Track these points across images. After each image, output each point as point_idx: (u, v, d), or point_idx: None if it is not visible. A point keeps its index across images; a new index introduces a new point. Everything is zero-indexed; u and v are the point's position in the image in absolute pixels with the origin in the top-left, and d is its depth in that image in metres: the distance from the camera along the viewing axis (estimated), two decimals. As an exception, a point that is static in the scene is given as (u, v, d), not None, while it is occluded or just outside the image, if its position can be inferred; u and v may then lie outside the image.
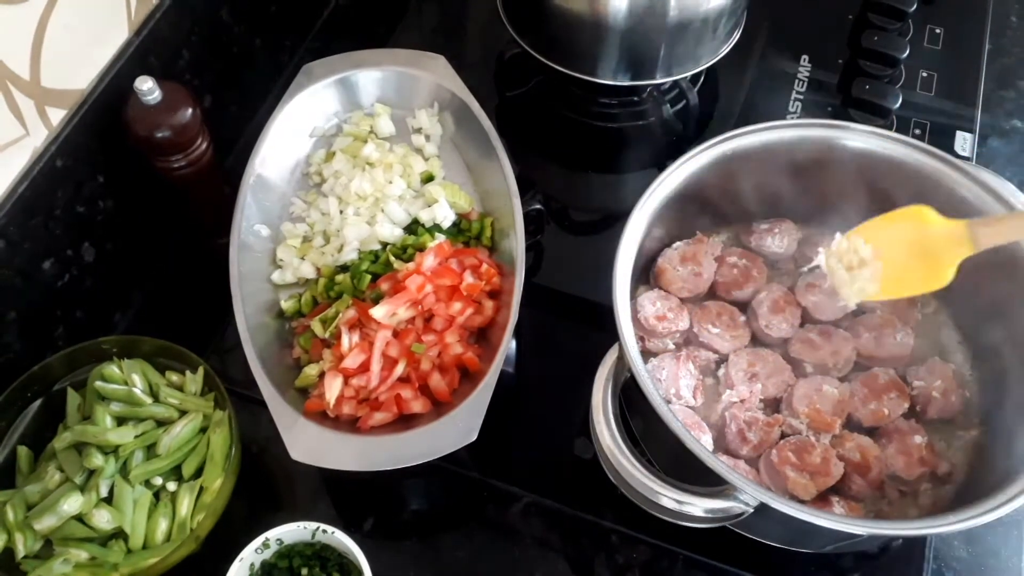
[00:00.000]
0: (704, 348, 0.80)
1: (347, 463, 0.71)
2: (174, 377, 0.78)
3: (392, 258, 0.85)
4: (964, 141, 1.03)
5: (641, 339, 0.80)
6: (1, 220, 0.72)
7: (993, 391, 0.77)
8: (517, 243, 0.82)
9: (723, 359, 0.80)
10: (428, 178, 0.91)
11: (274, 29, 1.04)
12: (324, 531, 0.71)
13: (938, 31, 1.12)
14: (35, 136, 0.75)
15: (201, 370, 0.77)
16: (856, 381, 0.78)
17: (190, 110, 0.77)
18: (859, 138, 0.78)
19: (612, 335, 0.68)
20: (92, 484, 0.70)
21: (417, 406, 0.77)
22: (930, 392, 0.76)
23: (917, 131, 1.03)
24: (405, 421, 0.76)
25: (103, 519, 0.70)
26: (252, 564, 0.71)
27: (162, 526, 0.71)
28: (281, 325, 0.84)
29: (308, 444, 0.72)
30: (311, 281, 0.86)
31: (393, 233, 0.87)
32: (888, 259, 0.65)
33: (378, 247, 0.87)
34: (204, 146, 0.81)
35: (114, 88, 0.80)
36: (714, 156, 0.77)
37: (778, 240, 0.84)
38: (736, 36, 1.00)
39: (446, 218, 0.88)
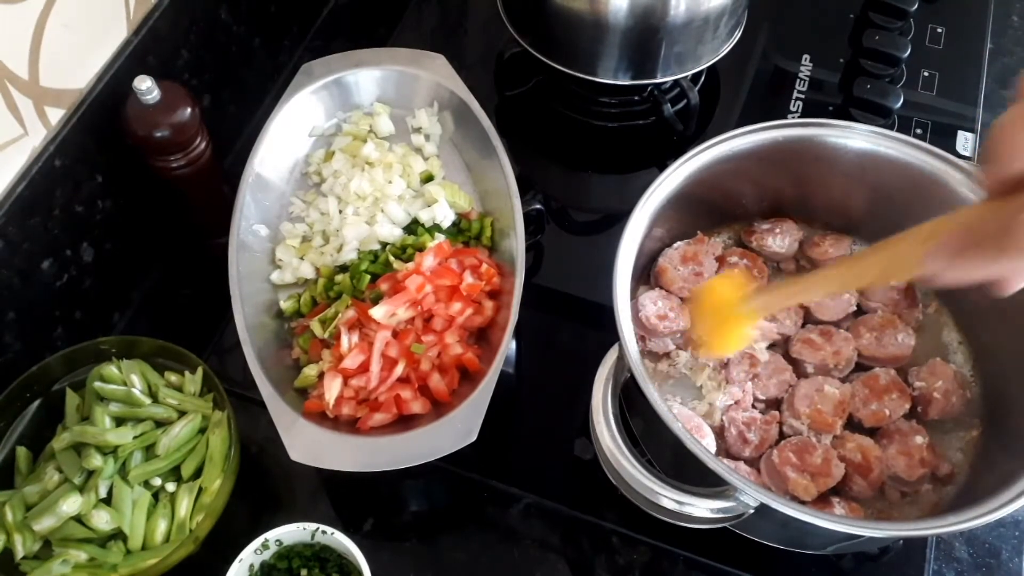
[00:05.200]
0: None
1: (346, 464, 0.71)
2: (173, 377, 0.78)
3: (391, 258, 0.85)
4: (966, 141, 1.03)
5: (642, 339, 0.80)
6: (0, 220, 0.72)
7: (994, 392, 0.77)
8: (517, 243, 0.81)
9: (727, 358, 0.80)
10: (428, 178, 0.91)
11: (273, 28, 1.04)
12: (323, 532, 0.71)
13: (940, 30, 1.12)
14: (34, 136, 0.75)
15: (200, 370, 0.77)
16: (857, 382, 0.78)
17: (189, 109, 0.77)
18: (860, 138, 0.78)
19: (612, 335, 0.68)
20: (91, 485, 0.70)
21: (417, 406, 0.76)
22: (931, 393, 0.76)
23: (918, 131, 1.03)
24: (405, 422, 0.76)
25: (102, 520, 0.69)
26: (251, 565, 0.71)
27: (161, 527, 0.71)
28: (280, 325, 0.84)
29: (307, 445, 0.71)
30: (310, 281, 0.86)
31: (392, 233, 0.87)
32: (708, 324, 0.71)
33: (377, 247, 0.87)
34: (203, 146, 0.80)
35: (113, 88, 0.79)
36: (715, 155, 0.77)
37: (779, 240, 0.84)
38: (737, 35, 1.00)
39: (446, 218, 0.88)
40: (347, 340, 0.79)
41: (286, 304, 0.84)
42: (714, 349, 0.71)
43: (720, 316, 0.68)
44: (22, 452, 0.74)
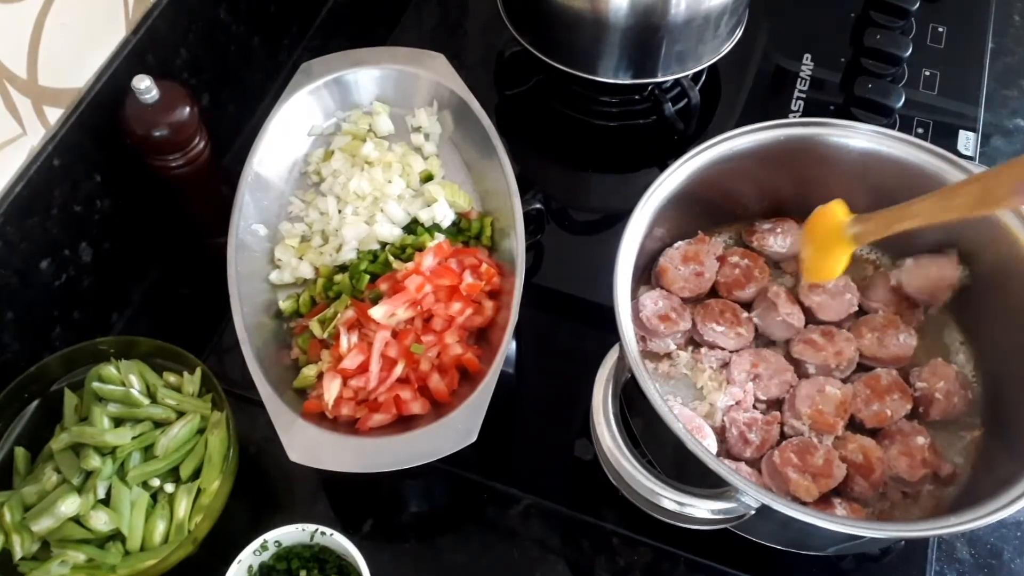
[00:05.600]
0: (709, 346, 0.80)
1: (346, 465, 0.71)
2: (172, 378, 0.78)
3: (391, 258, 0.84)
4: (967, 140, 1.03)
5: (642, 339, 0.80)
6: (-2, 220, 0.72)
7: (996, 392, 0.77)
8: (517, 243, 0.81)
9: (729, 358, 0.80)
10: (427, 177, 0.91)
11: (272, 28, 1.04)
12: (323, 533, 0.71)
13: (941, 30, 1.12)
14: (32, 135, 0.75)
15: (199, 371, 0.77)
16: (859, 382, 0.77)
17: (188, 109, 0.77)
18: (862, 137, 0.78)
19: (612, 335, 0.68)
20: (89, 485, 0.70)
21: (416, 407, 0.76)
22: (933, 394, 0.76)
23: (920, 130, 1.03)
24: (404, 422, 0.76)
25: (100, 521, 0.69)
26: (250, 566, 0.71)
27: (160, 528, 0.71)
28: (279, 325, 0.84)
29: (306, 445, 0.71)
30: (309, 281, 0.86)
31: (392, 233, 0.87)
32: (811, 249, 0.73)
33: (377, 247, 0.86)
34: (202, 145, 0.80)
35: (111, 87, 0.79)
36: (716, 155, 0.77)
37: (780, 240, 0.84)
38: (738, 34, 1.00)
39: (445, 218, 0.88)
40: (346, 340, 0.78)
41: (285, 304, 0.84)
42: (814, 274, 0.73)
43: (823, 241, 0.70)
44: (20, 452, 0.73)
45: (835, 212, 0.71)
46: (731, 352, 0.79)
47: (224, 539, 0.72)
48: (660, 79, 0.96)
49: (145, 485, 0.72)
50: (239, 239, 0.82)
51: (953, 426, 0.77)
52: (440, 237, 0.86)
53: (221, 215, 0.83)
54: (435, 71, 0.93)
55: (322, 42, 1.10)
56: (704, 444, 0.67)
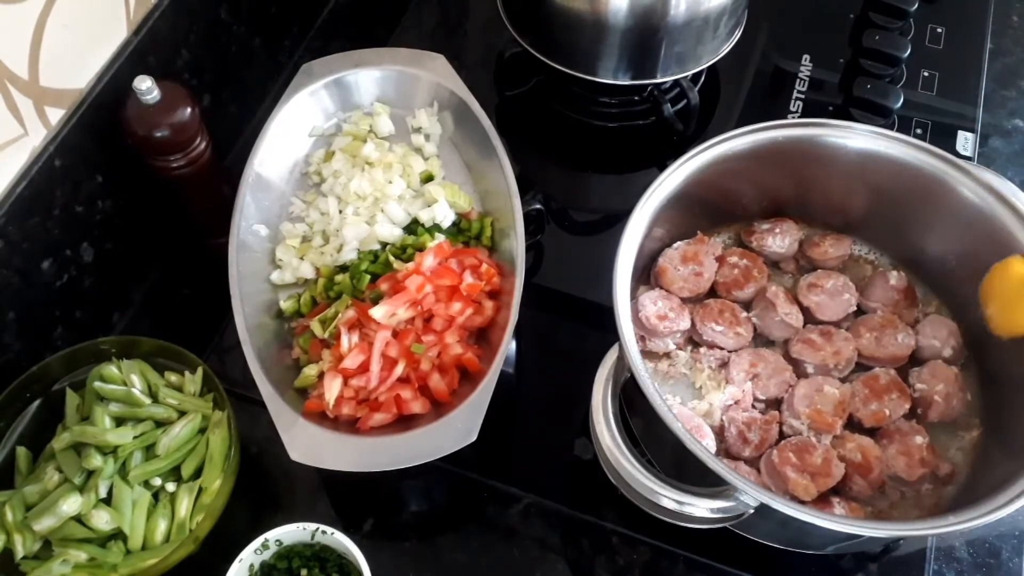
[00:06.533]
0: (708, 346, 0.80)
1: (346, 464, 0.71)
2: (173, 377, 0.78)
3: (391, 258, 0.85)
4: (966, 141, 1.03)
5: (642, 339, 0.80)
6: (-1, 220, 0.72)
7: (994, 392, 0.77)
8: (517, 243, 0.81)
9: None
10: (428, 178, 0.91)
11: (273, 28, 1.04)
12: (323, 532, 0.71)
13: (940, 30, 1.12)
14: (34, 136, 0.75)
15: (200, 370, 0.77)
16: (857, 381, 0.78)
17: (189, 110, 0.77)
18: (860, 138, 0.78)
19: (612, 335, 0.68)
20: (91, 485, 0.70)
21: (417, 406, 0.76)
22: (932, 396, 0.76)
23: (919, 131, 1.03)
24: (405, 422, 0.76)
25: (102, 520, 0.69)
26: (251, 565, 0.71)
27: (161, 527, 0.71)
28: (280, 325, 0.84)
29: (307, 445, 0.71)
30: (310, 281, 0.86)
31: (392, 233, 0.87)
32: (996, 305, 0.73)
33: (377, 247, 0.87)
34: (203, 146, 0.80)
35: (113, 88, 0.79)
36: (715, 155, 0.77)
37: (779, 240, 0.84)
38: (737, 35, 1.00)
39: (446, 218, 0.88)
40: (347, 340, 0.79)
41: (286, 304, 0.84)
42: (1005, 328, 0.72)
43: (1010, 295, 0.70)
44: (22, 452, 0.74)
45: (1016, 266, 0.70)
46: (730, 352, 0.80)
47: (225, 538, 0.72)
48: (659, 80, 0.96)
49: (146, 484, 0.72)
50: (240, 239, 0.82)
51: (952, 426, 0.77)
52: (440, 237, 0.87)
53: (222, 215, 0.84)
54: (435, 72, 0.93)
55: (323, 43, 1.11)
56: (703, 443, 0.68)
